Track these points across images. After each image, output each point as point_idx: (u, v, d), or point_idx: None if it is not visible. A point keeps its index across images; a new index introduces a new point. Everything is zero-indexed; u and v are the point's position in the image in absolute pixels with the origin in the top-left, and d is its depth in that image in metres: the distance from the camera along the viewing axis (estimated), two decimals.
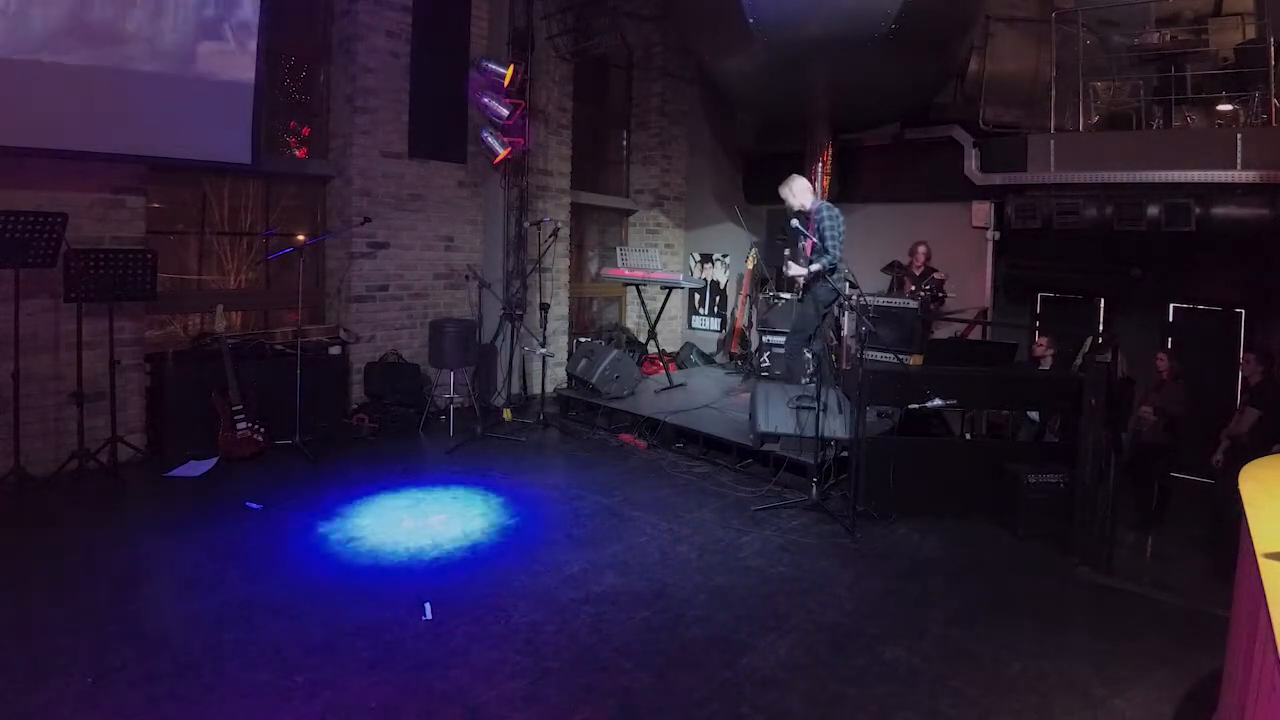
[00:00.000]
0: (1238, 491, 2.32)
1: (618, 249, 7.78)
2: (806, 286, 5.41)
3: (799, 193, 5.24)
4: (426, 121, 6.53)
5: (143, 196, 5.01)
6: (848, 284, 5.06)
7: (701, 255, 9.32)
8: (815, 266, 5.12)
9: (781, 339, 6.81)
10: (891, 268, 7.16)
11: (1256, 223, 5.55)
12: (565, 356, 7.50)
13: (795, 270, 5.27)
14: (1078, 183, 6.12)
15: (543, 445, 5.96)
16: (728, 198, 8.85)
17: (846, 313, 5.74)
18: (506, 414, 6.58)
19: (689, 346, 8.89)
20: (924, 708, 2.71)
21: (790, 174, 5.45)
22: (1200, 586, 3.83)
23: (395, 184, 6.41)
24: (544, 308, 6.74)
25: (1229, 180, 5.53)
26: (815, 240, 5.07)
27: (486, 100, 6.68)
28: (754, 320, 8.08)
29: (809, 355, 5.41)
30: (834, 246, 5.05)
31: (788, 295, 7.15)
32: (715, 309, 9.18)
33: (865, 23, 5.43)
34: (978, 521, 4.57)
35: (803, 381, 5.38)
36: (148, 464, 4.85)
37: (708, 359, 8.74)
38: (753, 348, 7.90)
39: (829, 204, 5.35)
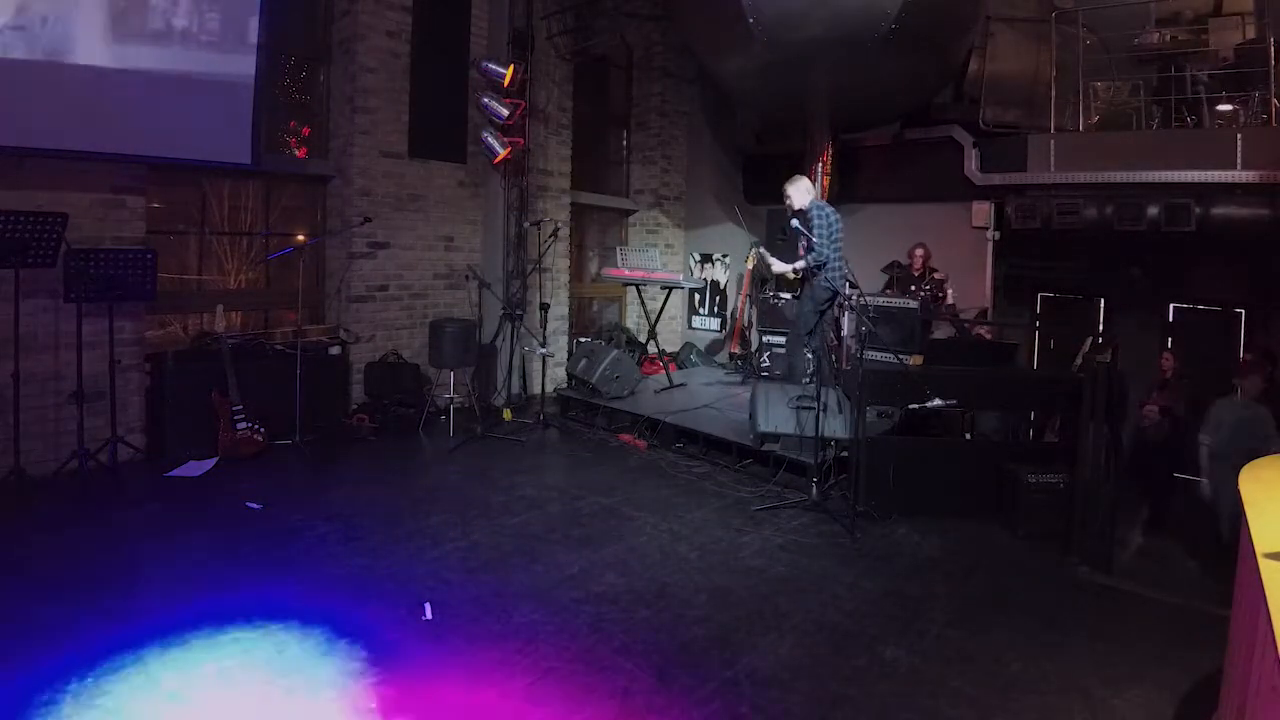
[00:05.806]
0: (1238, 492, 2.33)
1: (618, 249, 7.78)
2: (803, 284, 5.49)
3: (800, 193, 5.33)
4: (426, 121, 6.53)
5: (143, 196, 5.01)
6: (847, 283, 5.09)
7: (701, 255, 9.32)
8: (800, 264, 5.23)
9: (782, 339, 6.83)
10: (891, 268, 7.17)
11: (1256, 223, 5.54)
12: (565, 356, 7.50)
13: (779, 267, 5.44)
14: (1078, 183, 6.12)
15: (543, 445, 5.96)
16: (728, 198, 8.84)
17: (846, 313, 5.76)
18: (506, 414, 6.58)
19: (689, 346, 8.89)
20: (924, 708, 2.71)
21: (795, 173, 5.57)
22: (1200, 586, 3.83)
23: (395, 184, 6.41)
24: (544, 308, 6.74)
25: (1229, 180, 5.52)
26: (807, 239, 5.14)
27: (486, 100, 6.69)
28: (754, 320, 8.08)
29: (809, 355, 5.43)
30: (821, 244, 5.12)
31: (788, 295, 7.15)
32: (715, 309, 9.17)
33: (865, 23, 5.43)
34: (978, 521, 4.56)
35: (803, 381, 5.39)
36: (147, 464, 4.84)
37: (708, 359, 8.74)
38: (753, 348, 7.91)
39: (825, 204, 5.47)
